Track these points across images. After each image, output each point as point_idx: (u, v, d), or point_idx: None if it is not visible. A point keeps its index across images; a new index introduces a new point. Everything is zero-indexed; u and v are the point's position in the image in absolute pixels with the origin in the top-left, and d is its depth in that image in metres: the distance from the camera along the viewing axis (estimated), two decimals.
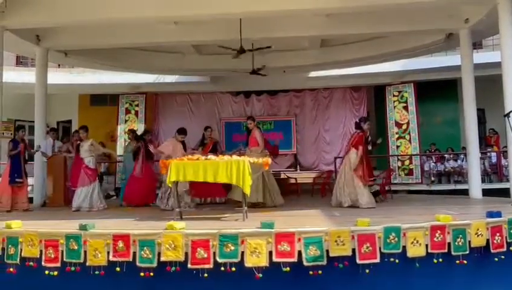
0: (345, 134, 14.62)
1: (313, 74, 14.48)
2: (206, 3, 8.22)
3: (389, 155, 13.31)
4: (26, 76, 12.91)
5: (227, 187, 8.34)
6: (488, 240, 5.03)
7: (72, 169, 8.99)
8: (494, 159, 12.98)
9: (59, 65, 14.25)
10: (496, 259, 5.06)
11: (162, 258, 4.58)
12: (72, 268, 4.71)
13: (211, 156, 6.41)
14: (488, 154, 13.02)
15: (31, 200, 9.09)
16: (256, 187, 7.52)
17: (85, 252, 4.71)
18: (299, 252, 4.57)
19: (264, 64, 11.02)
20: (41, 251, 4.81)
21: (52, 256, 4.77)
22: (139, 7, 8.32)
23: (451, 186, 12.40)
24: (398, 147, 13.39)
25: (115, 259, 4.65)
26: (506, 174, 12.33)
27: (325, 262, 4.59)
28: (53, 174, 9.23)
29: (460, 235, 4.91)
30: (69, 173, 9.12)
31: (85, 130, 8.55)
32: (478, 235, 4.98)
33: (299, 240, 4.59)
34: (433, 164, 13.52)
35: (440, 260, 4.83)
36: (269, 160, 7.22)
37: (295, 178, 12.13)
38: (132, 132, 10.28)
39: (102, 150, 9.41)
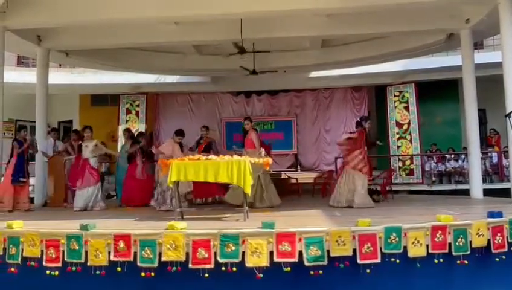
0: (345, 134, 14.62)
1: (313, 74, 14.48)
2: (206, 4, 8.23)
3: (390, 155, 13.30)
4: (27, 76, 12.92)
5: (226, 185, 8.39)
6: (489, 240, 5.03)
7: (72, 169, 8.97)
8: (495, 159, 12.96)
9: (60, 65, 14.27)
10: (497, 259, 5.06)
11: (163, 258, 4.58)
12: (73, 268, 4.72)
13: (212, 156, 6.40)
14: (489, 154, 13.00)
15: (32, 200, 9.10)
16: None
17: (86, 252, 4.72)
18: (300, 252, 4.57)
19: (266, 70, 11.00)
20: (42, 251, 4.82)
21: (53, 256, 4.77)
22: (140, 7, 8.33)
23: (452, 187, 12.39)
24: (399, 147, 13.38)
25: (115, 259, 4.65)
26: (507, 175, 12.34)
27: (325, 262, 4.59)
28: (54, 174, 9.23)
29: (461, 236, 4.91)
30: (67, 173, 9.11)
31: (90, 129, 8.53)
32: (479, 236, 4.98)
33: (300, 240, 4.59)
34: (434, 164, 13.52)
35: (441, 260, 4.84)
36: (270, 160, 7.23)
37: (296, 178, 12.13)
38: (128, 131, 10.27)
39: (105, 150, 9.42)
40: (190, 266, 4.54)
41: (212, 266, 4.53)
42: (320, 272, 4.58)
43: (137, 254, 4.63)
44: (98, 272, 4.66)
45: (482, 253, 5.02)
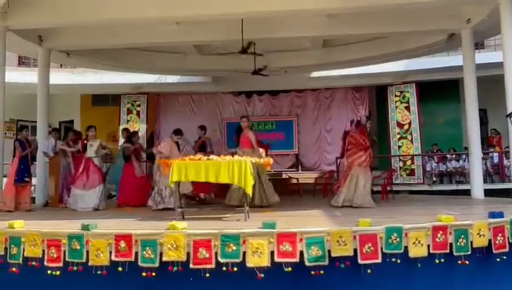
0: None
1: (314, 74, 14.48)
2: (207, 4, 8.23)
3: (391, 155, 13.30)
4: (28, 76, 12.94)
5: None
6: (490, 241, 5.03)
7: (75, 168, 8.92)
8: (496, 160, 12.95)
9: (61, 65, 14.27)
10: (498, 259, 5.05)
11: (164, 258, 4.59)
12: (74, 268, 4.73)
13: (213, 157, 6.40)
14: (490, 154, 12.99)
15: (33, 200, 9.10)
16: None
17: (87, 252, 4.73)
18: (301, 252, 4.57)
19: (265, 65, 11.01)
20: (43, 251, 4.83)
21: (55, 256, 4.79)
22: (141, 7, 8.34)
23: (453, 187, 12.37)
24: (399, 147, 13.38)
25: (117, 259, 4.66)
26: (508, 175, 12.36)
27: (326, 262, 4.59)
28: (55, 174, 9.24)
29: (462, 236, 4.91)
30: (66, 173, 9.10)
31: (94, 129, 8.58)
32: (480, 236, 4.97)
33: (301, 240, 4.59)
34: (435, 164, 13.51)
35: (442, 260, 4.83)
36: (271, 160, 7.23)
37: (297, 178, 12.13)
38: (126, 131, 10.28)
39: (108, 150, 9.44)
40: (191, 266, 4.55)
41: (213, 266, 4.53)
42: (321, 272, 4.58)
43: (139, 253, 4.64)
44: (99, 272, 4.67)
45: (483, 253, 5.01)
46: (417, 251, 4.78)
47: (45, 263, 4.80)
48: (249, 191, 6.01)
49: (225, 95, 15.76)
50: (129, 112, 14.53)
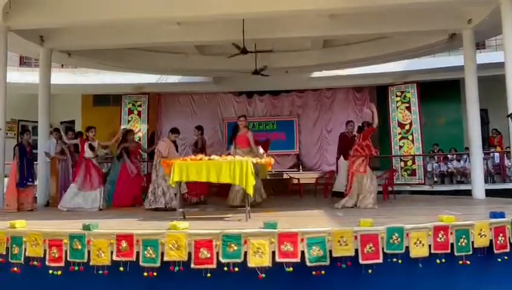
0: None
1: (315, 74, 14.48)
2: (208, 4, 8.24)
3: (392, 156, 13.31)
4: (30, 76, 12.96)
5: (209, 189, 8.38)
6: (491, 241, 5.03)
7: (77, 168, 8.91)
8: (497, 160, 12.94)
9: (62, 65, 14.28)
10: (499, 260, 5.05)
11: (165, 258, 4.59)
12: (76, 268, 4.73)
13: (214, 157, 6.41)
14: (491, 154, 12.98)
15: (35, 200, 9.11)
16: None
17: (89, 251, 4.73)
18: (302, 253, 4.57)
19: (265, 65, 11.03)
20: (45, 251, 4.83)
21: (56, 256, 4.79)
22: (142, 8, 8.35)
23: (454, 187, 12.37)
24: (400, 147, 13.38)
25: (118, 259, 4.66)
26: (509, 175, 12.37)
27: (328, 262, 4.59)
28: (56, 174, 9.26)
29: (464, 236, 4.91)
30: (65, 175, 9.11)
31: (94, 130, 8.61)
32: (481, 236, 4.97)
33: (302, 240, 4.59)
34: (436, 164, 13.51)
35: (443, 260, 4.83)
36: (272, 160, 7.22)
37: (298, 178, 12.14)
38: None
39: (107, 150, 9.50)
40: (192, 266, 4.55)
41: (214, 266, 4.54)
42: (323, 272, 4.58)
43: (140, 253, 4.64)
44: (100, 272, 4.68)
45: (484, 253, 5.01)
46: (418, 251, 4.78)
47: (47, 262, 4.80)
48: (250, 191, 6.01)
49: (226, 95, 15.77)
50: (130, 112, 14.55)
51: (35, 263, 4.84)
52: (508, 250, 5.11)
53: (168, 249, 4.59)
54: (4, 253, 4.99)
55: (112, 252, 4.69)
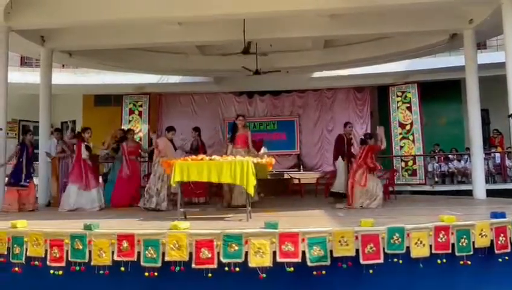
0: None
1: (316, 74, 14.48)
2: (209, 4, 8.24)
3: (393, 156, 13.29)
4: (31, 76, 12.95)
5: (210, 189, 8.38)
6: (492, 241, 5.03)
7: (73, 169, 8.91)
8: (498, 160, 12.94)
9: (63, 66, 14.28)
10: (500, 260, 5.05)
11: (167, 258, 4.60)
12: (77, 268, 4.74)
13: (215, 157, 6.42)
14: (492, 154, 12.97)
15: (36, 200, 9.12)
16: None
17: (90, 251, 4.73)
18: (303, 253, 4.58)
19: (260, 68, 11.00)
20: (46, 251, 4.84)
21: (57, 256, 4.80)
22: (143, 8, 8.35)
23: (455, 187, 12.37)
24: (401, 147, 13.37)
25: (119, 259, 4.67)
26: (510, 175, 12.36)
27: (328, 262, 4.59)
28: (57, 174, 9.26)
29: (464, 236, 4.91)
30: (66, 174, 9.10)
31: (90, 130, 8.64)
32: (482, 236, 4.97)
33: (303, 240, 4.60)
34: (436, 164, 13.50)
35: (444, 260, 4.83)
36: (273, 160, 7.22)
37: (298, 178, 12.14)
38: (121, 131, 10.31)
39: (107, 150, 9.52)
40: (193, 266, 4.56)
41: (215, 266, 4.54)
42: (323, 272, 4.59)
43: (141, 253, 4.65)
44: (101, 272, 4.68)
45: (485, 254, 5.01)
46: (419, 251, 4.77)
47: (48, 262, 4.81)
48: (251, 191, 6.01)
49: (227, 95, 15.77)
50: (131, 112, 14.57)
51: (36, 263, 4.84)
52: (509, 250, 5.10)
53: (169, 249, 4.60)
54: (5, 253, 4.99)
55: (113, 252, 4.69)
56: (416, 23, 9.37)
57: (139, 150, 9.62)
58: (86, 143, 8.47)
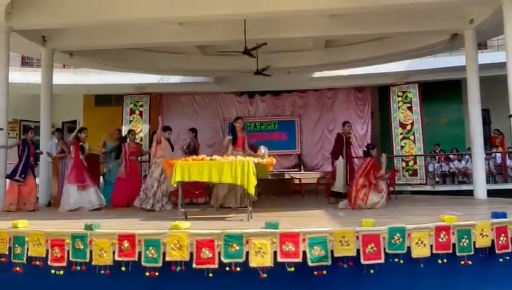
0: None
1: (316, 74, 14.48)
2: (210, 4, 8.25)
3: (394, 156, 13.30)
4: (32, 76, 13.00)
5: (209, 189, 8.43)
6: (493, 241, 5.02)
7: (73, 168, 8.92)
8: (499, 160, 12.94)
9: (64, 66, 14.32)
10: (501, 260, 5.04)
11: (167, 258, 4.60)
12: (78, 267, 4.74)
13: (216, 157, 6.42)
14: (493, 154, 12.97)
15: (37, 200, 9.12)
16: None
17: (91, 251, 4.73)
18: (304, 253, 4.57)
19: (268, 65, 11.03)
20: (47, 251, 4.84)
21: (58, 255, 4.80)
22: (144, 8, 8.37)
23: (456, 187, 12.38)
24: (402, 147, 13.38)
25: (120, 259, 4.67)
26: (511, 175, 12.33)
27: (329, 262, 4.59)
28: (58, 174, 9.27)
29: (465, 236, 4.90)
30: (64, 173, 9.13)
31: (87, 131, 8.70)
32: (483, 236, 4.96)
33: (304, 240, 4.59)
34: (437, 164, 13.50)
35: (445, 260, 4.82)
36: (274, 160, 7.23)
37: (299, 178, 12.14)
38: (119, 131, 10.32)
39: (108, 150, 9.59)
40: (194, 266, 4.56)
41: (216, 266, 4.54)
42: (324, 272, 4.58)
43: (142, 253, 4.65)
44: (102, 272, 4.68)
45: (486, 254, 5.00)
46: (420, 251, 4.77)
47: (49, 262, 4.81)
48: (252, 191, 6.01)
49: (227, 95, 15.77)
50: (132, 112, 14.59)
51: (37, 262, 4.84)
52: (509, 250, 5.09)
53: (170, 249, 4.60)
54: (6, 253, 5.00)
55: (113, 252, 4.69)
56: (416, 23, 9.37)
57: (140, 151, 9.63)
58: (81, 143, 8.50)
